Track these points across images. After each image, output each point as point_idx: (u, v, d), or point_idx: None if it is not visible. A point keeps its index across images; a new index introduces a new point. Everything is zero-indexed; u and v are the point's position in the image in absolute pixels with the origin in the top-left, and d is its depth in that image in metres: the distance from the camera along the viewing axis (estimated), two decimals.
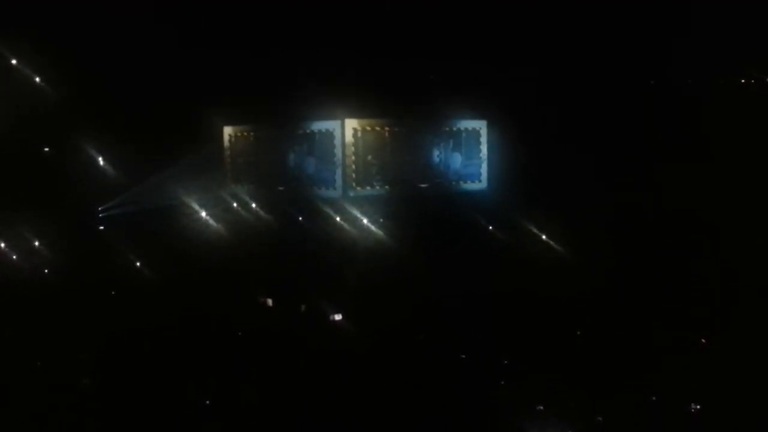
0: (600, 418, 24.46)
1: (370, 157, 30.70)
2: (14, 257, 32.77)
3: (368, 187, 30.80)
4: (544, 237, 34.85)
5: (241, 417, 24.62)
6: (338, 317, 31.03)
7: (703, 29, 32.09)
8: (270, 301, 32.61)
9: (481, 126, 32.82)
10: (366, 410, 24.02)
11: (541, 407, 25.06)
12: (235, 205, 34.75)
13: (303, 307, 32.00)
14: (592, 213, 33.91)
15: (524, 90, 33.53)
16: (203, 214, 34.46)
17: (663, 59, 33.83)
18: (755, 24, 31.67)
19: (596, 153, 33.75)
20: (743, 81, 35.89)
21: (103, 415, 23.94)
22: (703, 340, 28.26)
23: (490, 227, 35.06)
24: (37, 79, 31.16)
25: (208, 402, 25.11)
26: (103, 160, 33.78)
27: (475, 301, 30.92)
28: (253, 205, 34.43)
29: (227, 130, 33.94)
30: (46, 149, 34.08)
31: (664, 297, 30.86)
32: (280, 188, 32.52)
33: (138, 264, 33.02)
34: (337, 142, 30.48)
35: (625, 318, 29.74)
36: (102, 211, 34.39)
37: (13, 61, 30.67)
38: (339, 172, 30.51)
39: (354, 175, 30.42)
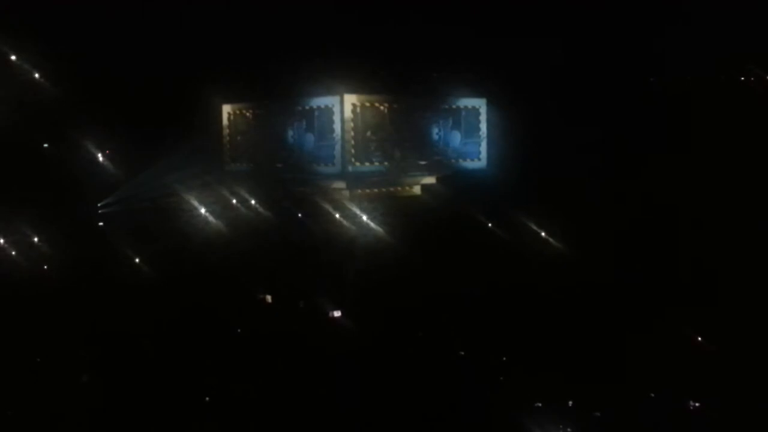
0: (598, 414, 24.66)
1: (369, 133, 30.50)
2: (11, 252, 32.69)
3: (367, 163, 30.53)
4: (543, 231, 34.89)
5: (240, 414, 24.77)
6: (337, 314, 31.11)
7: (704, 16, 31.89)
8: (269, 298, 32.64)
9: (480, 104, 32.68)
10: (365, 407, 24.16)
11: (540, 404, 25.26)
12: (234, 201, 34.74)
13: (301, 304, 32.08)
14: (592, 204, 33.94)
15: (524, 68, 33.29)
16: (202, 210, 34.38)
17: (665, 39, 33.48)
18: (754, 20, 31.51)
19: (596, 134, 33.61)
20: (745, 77, 35.65)
21: (103, 412, 24.11)
22: (701, 338, 28.36)
23: (489, 220, 35.16)
24: (29, 64, 30.90)
25: (207, 398, 25.31)
26: (102, 147, 33.59)
27: (474, 297, 30.99)
28: (252, 201, 34.41)
29: (226, 108, 33.73)
30: (40, 138, 33.83)
31: (661, 293, 30.92)
32: (279, 165, 32.27)
33: (136, 260, 32.97)
34: (336, 117, 30.21)
35: (623, 314, 29.82)
36: (102, 204, 34.25)
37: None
38: (338, 148, 30.20)
39: (353, 151, 30.10)
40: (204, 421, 24.45)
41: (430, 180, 33.06)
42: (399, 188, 32.68)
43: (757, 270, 30.41)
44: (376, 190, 32.14)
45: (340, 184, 31.68)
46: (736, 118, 33.85)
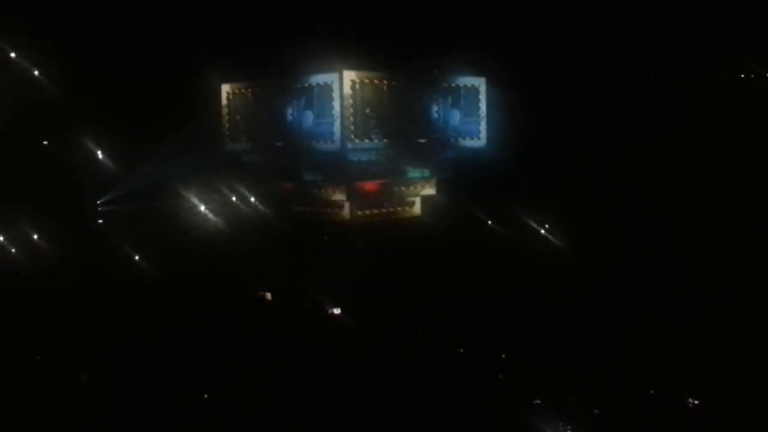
0: (597, 411, 24.66)
1: (368, 110, 30.35)
2: (11, 250, 32.65)
3: (366, 140, 30.34)
4: (542, 229, 35.04)
5: (241, 411, 24.70)
6: (337, 311, 31.13)
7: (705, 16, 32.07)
8: (269, 295, 32.61)
9: (480, 83, 32.58)
10: (365, 403, 24.11)
11: (539, 401, 25.27)
12: (234, 198, 34.70)
13: (302, 301, 32.00)
14: (591, 203, 33.95)
15: (524, 48, 33.33)
16: (202, 207, 34.42)
17: (665, 38, 33.63)
18: (754, 20, 31.68)
19: (595, 133, 33.67)
20: (745, 76, 35.85)
21: (102, 409, 24.07)
22: (702, 336, 28.32)
23: (487, 218, 35.25)
24: (29, 61, 30.82)
25: (206, 396, 25.24)
26: (100, 143, 33.50)
27: (474, 294, 31.02)
28: (252, 199, 34.41)
29: (225, 88, 33.67)
30: (38, 135, 33.70)
31: (661, 292, 30.96)
32: (278, 144, 32.14)
33: (136, 257, 32.99)
34: (336, 94, 30.03)
35: (622, 313, 29.84)
36: (101, 202, 34.17)
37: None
38: (337, 124, 30.00)
39: (352, 128, 29.93)
40: (204, 419, 24.43)
41: (430, 191, 33.07)
42: (399, 208, 32.64)
43: (756, 270, 30.41)
44: (376, 211, 32.10)
45: (340, 196, 31.65)
46: (736, 117, 33.88)
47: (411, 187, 32.79)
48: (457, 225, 34.27)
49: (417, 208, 33.07)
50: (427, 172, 32.90)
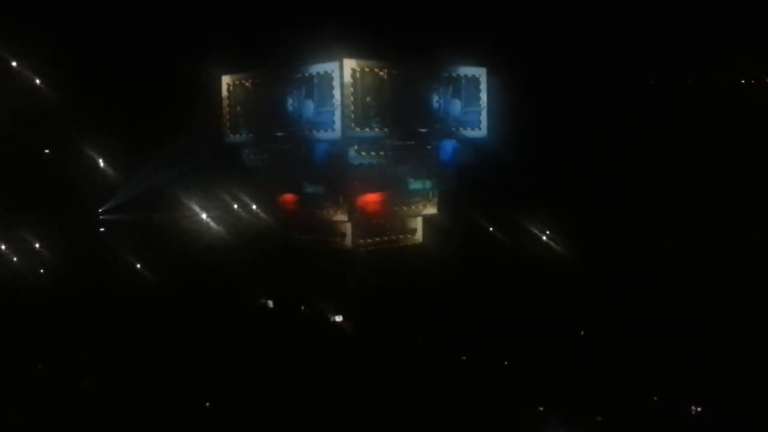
0: (600, 418, 24.65)
1: (368, 99, 30.26)
2: (13, 258, 32.58)
3: (367, 129, 30.24)
4: (543, 236, 34.97)
5: (242, 419, 24.71)
6: (338, 318, 31.03)
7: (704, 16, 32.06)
8: (270, 303, 32.52)
9: (480, 73, 32.48)
10: (367, 411, 24.10)
11: (542, 408, 25.26)
12: (235, 206, 34.61)
13: (303, 309, 31.92)
14: (590, 205, 33.84)
15: (525, 39, 33.29)
16: (203, 215, 34.33)
17: (665, 39, 33.60)
18: (753, 20, 31.68)
19: (595, 135, 33.62)
20: (744, 77, 35.83)
21: (103, 417, 24.07)
22: (704, 342, 28.30)
23: (489, 225, 35.10)
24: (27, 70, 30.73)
25: (207, 404, 25.25)
26: (101, 150, 33.38)
27: (476, 301, 30.94)
28: (254, 206, 34.31)
29: (225, 79, 33.62)
30: (40, 144, 33.56)
31: (665, 298, 30.90)
32: (279, 134, 32.01)
33: (138, 265, 32.92)
34: (336, 83, 29.94)
35: (625, 319, 29.80)
36: (103, 210, 34.08)
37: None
38: (338, 113, 29.93)
39: (353, 116, 29.85)
40: (205, 426, 24.44)
41: (431, 209, 32.89)
42: (401, 236, 32.39)
43: (757, 273, 30.38)
44: (378, 239, 31.82)
45: (342, 217, 31.43)
46: (736, 118, 33.90)
47: (413, 206, 32.54)
48: (458, 236, 34.14)
49: (419, 236, 32.86)
50: (428, 184, 32.72)
